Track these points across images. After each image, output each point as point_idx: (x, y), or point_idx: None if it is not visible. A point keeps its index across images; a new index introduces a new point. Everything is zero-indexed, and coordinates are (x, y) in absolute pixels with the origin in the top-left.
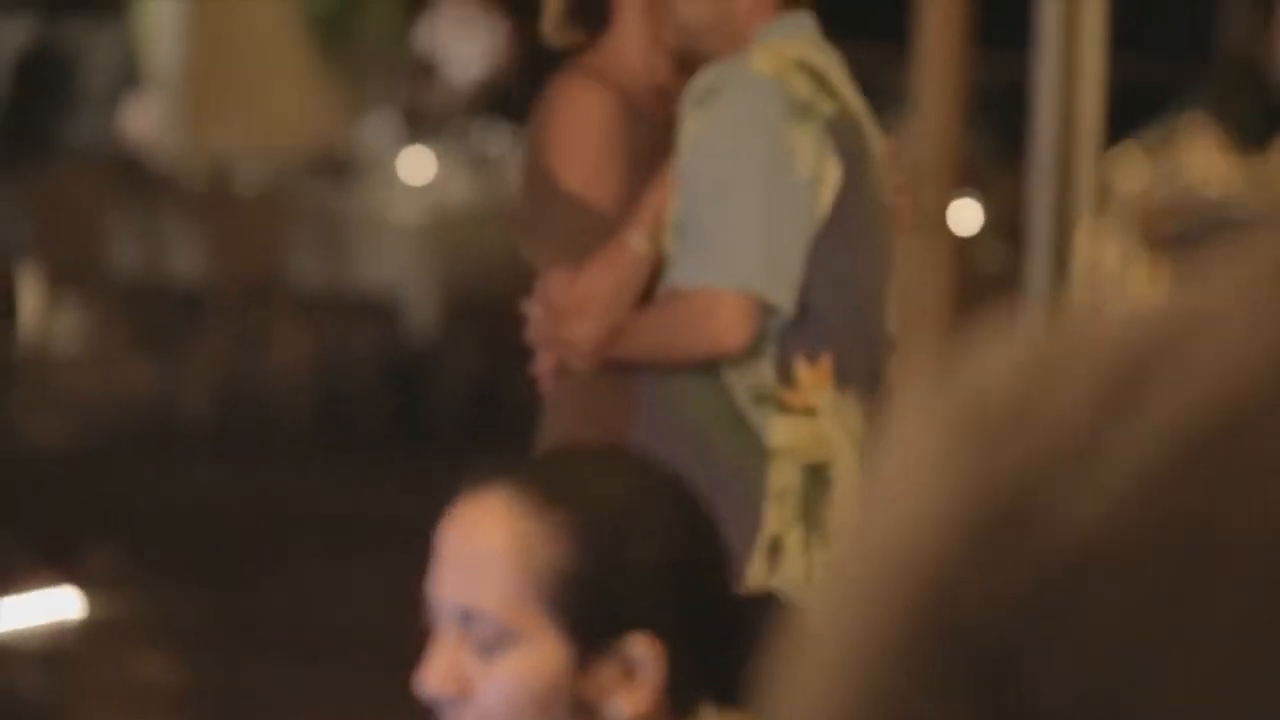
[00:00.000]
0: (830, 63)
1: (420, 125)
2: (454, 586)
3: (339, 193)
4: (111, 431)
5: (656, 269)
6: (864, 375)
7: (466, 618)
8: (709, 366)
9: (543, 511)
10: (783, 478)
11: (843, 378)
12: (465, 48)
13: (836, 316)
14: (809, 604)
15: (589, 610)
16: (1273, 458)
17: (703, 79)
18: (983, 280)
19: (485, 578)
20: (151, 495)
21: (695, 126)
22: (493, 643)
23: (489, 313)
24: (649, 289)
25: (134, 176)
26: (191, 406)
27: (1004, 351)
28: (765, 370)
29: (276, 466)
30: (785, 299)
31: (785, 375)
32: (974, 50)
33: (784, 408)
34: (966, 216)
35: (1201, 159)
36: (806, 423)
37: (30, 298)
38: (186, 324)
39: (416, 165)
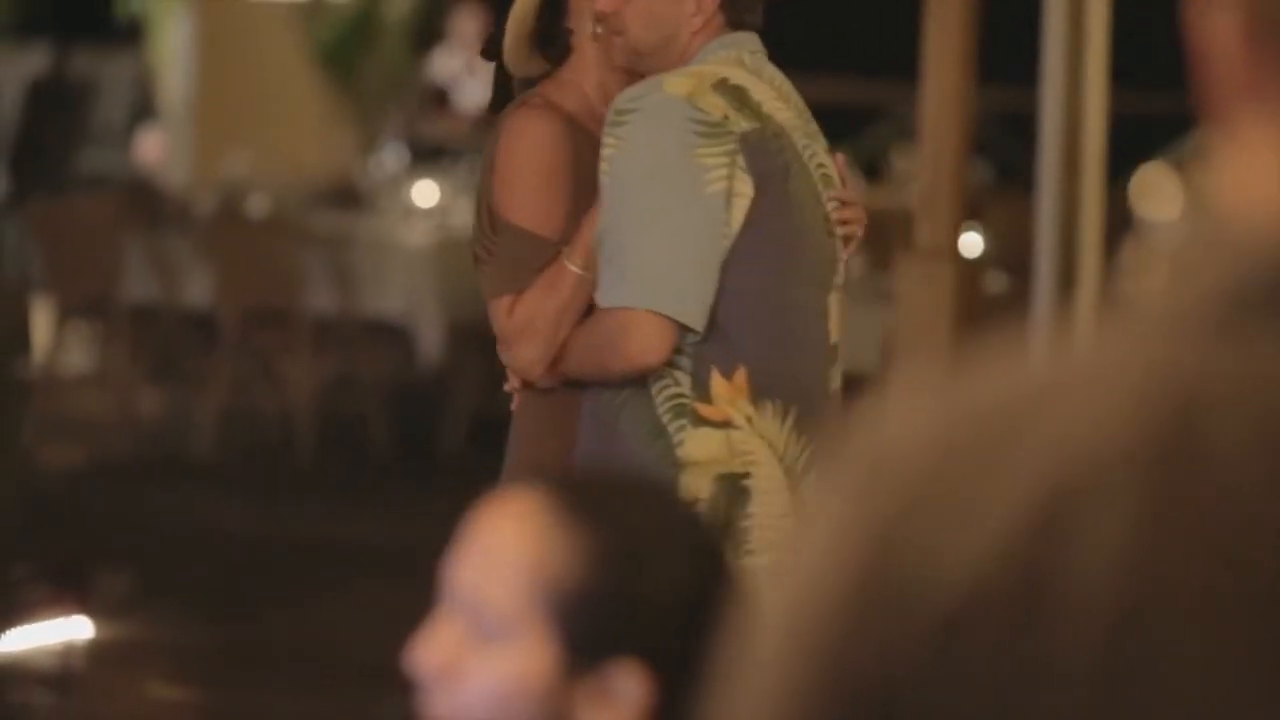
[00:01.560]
0: (756, 82)
1: (429, 154)
2: (469, 575)
3: (349, 221)
4: (122, 458)
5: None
6: (791, 388)
7: (474, 607)
8: (638, 380)
9: (570, 523)
10: (696, 488)
11: (761, 391)
12: (475, 78)
13: (752, 331)
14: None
15: (587, 626)
16: (1121, 517)
17: (619, 101)
18: (984, 306)
19: (499, 570)
20: (161, 521)
21: (608, 149)
22: (490, 634)
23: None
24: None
25: (145, 205)
26: (202, 433)
27: (909, 407)
28: (683, 383)
29: (286, 492)
30: (694, 316)
31: (701, 389)
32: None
33: (700, 420)
34: (967, 244)
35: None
36: (722, 435)
37: (42, 325)
38: (197, 351)
39: (425, 194)
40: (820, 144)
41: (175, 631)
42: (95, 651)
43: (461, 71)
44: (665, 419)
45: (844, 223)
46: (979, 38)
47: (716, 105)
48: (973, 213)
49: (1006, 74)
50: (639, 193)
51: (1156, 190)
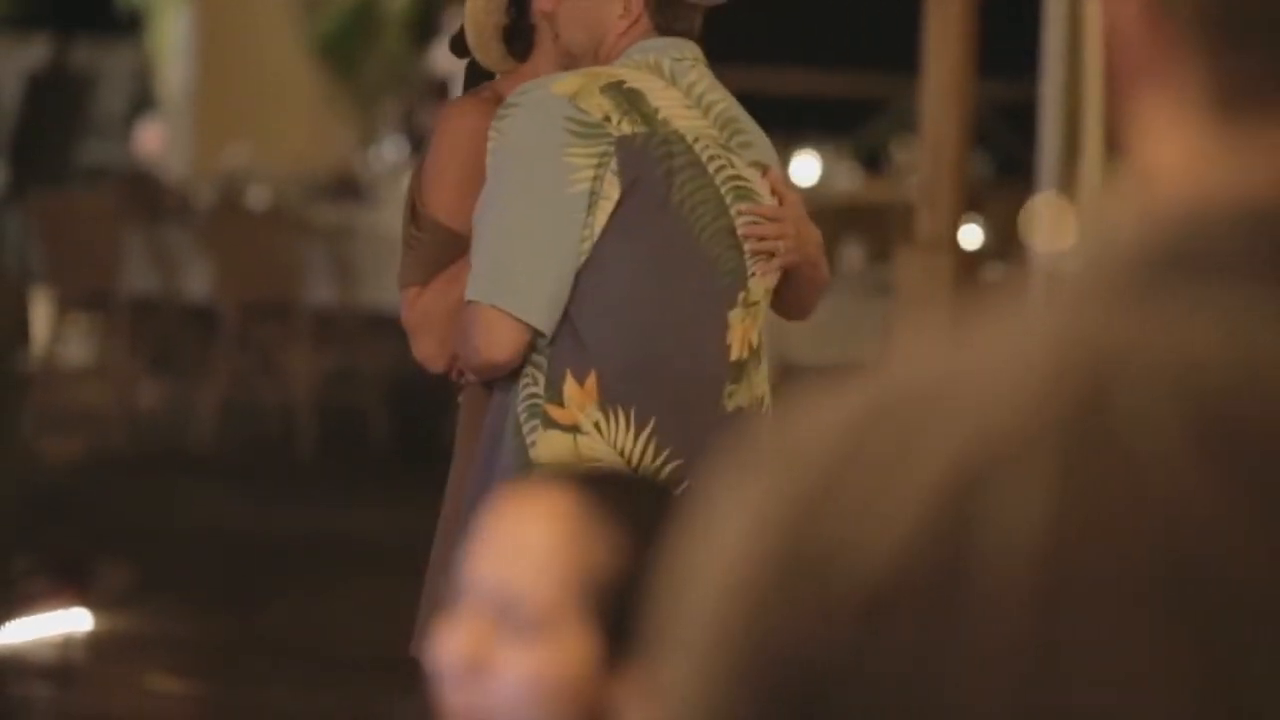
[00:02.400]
0: (662, 88)
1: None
2: (497, 569)
3: (349, 213)
4: (122, 450)
5: None
6: (650, 399)
7: (505, 602)
8: (510, 376)
9: (599, 514)
10: None
11: (612, 398)
12: None
13: (607, 337)
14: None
15: (625, 618)
16: (1033, 498)
17: (509, 96)
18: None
19: (533, 564)
20: (161, 514)
21: (490, 142)
22: (525, 629)
23: None
24: None
25: (145, 197)
26: (202, 425)
27: (827, 394)
28: (539, 384)
29: (286, 485)
30: (539, 317)
31: (554, 391)
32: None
33: (550, 422)
34: (967, 236)
35: None
36: (569, 439)
37: (42, 317)
38: (197, 343)
39: None
40: (743, 156)
41: (175, 624)
42: (95, 644)
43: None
44: (522, 418)
45: (761, 238)
46: (979, 30)
47: (599, 106)
48: (973, 205)
49: (1006, 67)
50: (504, 188)
51: (1047, 221)
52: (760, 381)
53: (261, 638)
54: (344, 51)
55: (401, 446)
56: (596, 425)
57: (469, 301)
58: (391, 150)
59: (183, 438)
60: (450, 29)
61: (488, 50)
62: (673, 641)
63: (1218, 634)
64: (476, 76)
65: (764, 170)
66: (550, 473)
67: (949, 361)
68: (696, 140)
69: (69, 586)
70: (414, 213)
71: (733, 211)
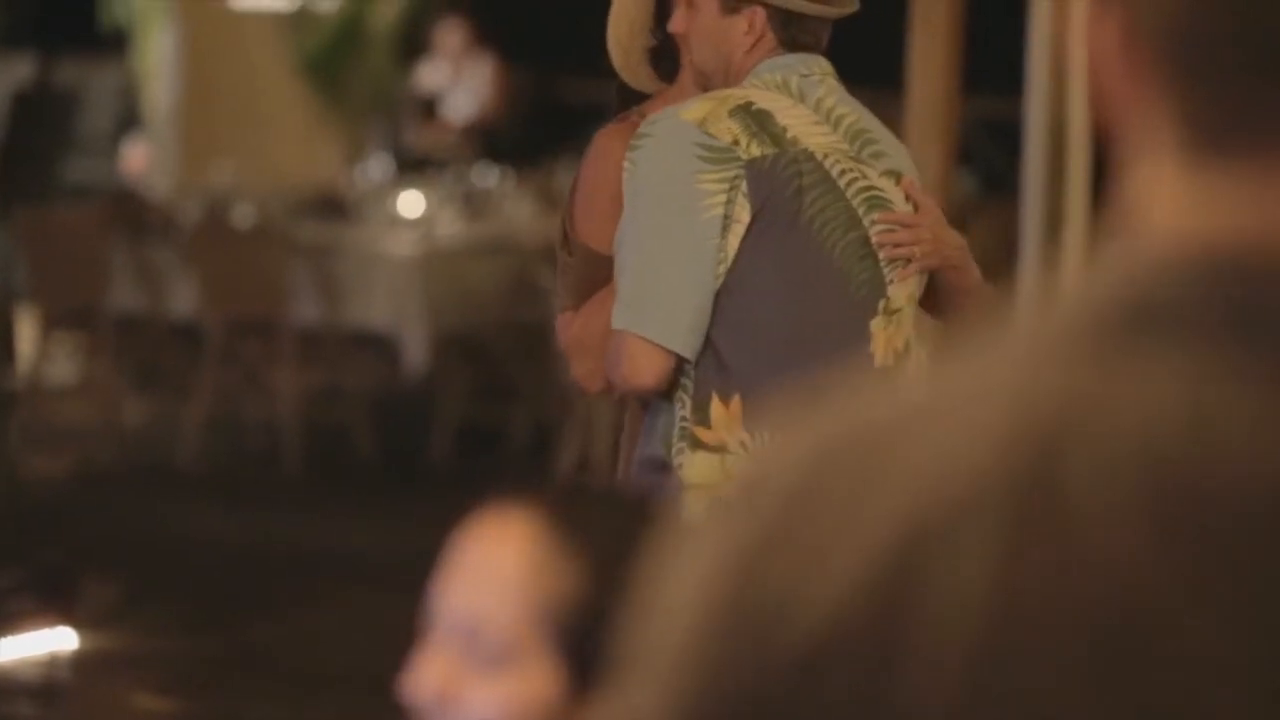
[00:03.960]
0: (789, 105)
1: (415, 165)
2: (464, 598)
3: (334, 231)
4: (107, 467)
5: None
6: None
7: (471, 631)
8: (665, 397)
9: (564, 541)
10: (694, 510)
11: (757, 419)
12: (461, 90)
13: (749, 359)
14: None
15: (591, 645)
16: (976, 556)
17: (641, 125)
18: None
19: (497, 594)
20: (147, 531)
21: (625, 172)
22: (492, 659)
23: (483, 351)
24: None
25: (131, 215)
26: (187, 442)
27: (786, 434)
28: (687, 406)
29: (271, 502)
30: (680, 343)
31: (701, 413)
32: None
33: (697, 444)
34: None
35: None
36: (717, 460)
37: (27, 335)
38: (183, 360)
39: (411, 204)
40: (876, 167)
41: (160, 642)
42: (80, 662)
43: (447, 82)
44: (673, 439)
45: (896, 245)
46: (963, 47)
47: (728, 130)
48: (957, 222)
49: (991, 84)
50: (641, 217)
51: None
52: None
53: (247, 654)
54: (330, 69)
55: (386, 464)
56: (743, 445)
57: (617, 329)
58: (377, 168)
59: (168, 455)
60: (439, 47)
61: (635, 72)
62: (635, 676)
63: (1155, 699)
64: (625, 99)
65: (898, 178)
66: (518, 497)
67: (907, 406)
68: (826, 156)
69: (55, 604)
70: (565, 238)
71: (866, 222)
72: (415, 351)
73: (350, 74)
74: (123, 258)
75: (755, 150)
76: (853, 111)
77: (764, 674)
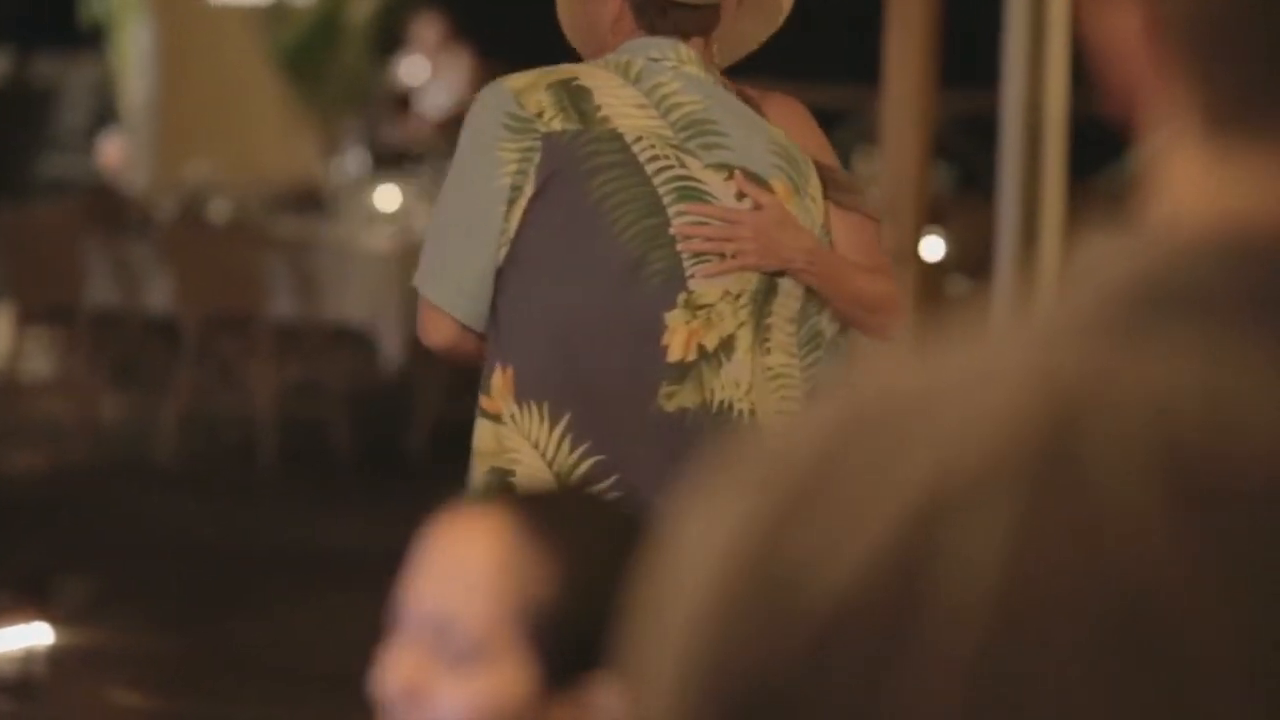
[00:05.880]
0: (618, 86)
1: (391, 159)
2: (434, 594)
3: (311, 226)
4: (84, 463)
5: None
6: (564, 394)
7: (441, 627)
8: None
9: (536, 539)
10: (477, 476)
11: (524, 392)
12: (438, 84)
13: (520, 331)
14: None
15: (564, 644)
16: (993, 530)
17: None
18: (945, 310)
19: (469, 591)
20: (123, 527)
21: None
22: (463, 656)
23: None
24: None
25: (107, 210)
26: (164, 438)
27: (804, 409)
28: (483, 373)
29: (249, 498)
30: (458, 308)
31: (486, 381)
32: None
33: (482, 411)
34: (929, 248)
35: None
36: (494, 428)
37: (3, 331)
38: (159, 356)
39: (387, 199)
40: (700, 159)
41: (137, 638)
42: (56, 658)
43: (424, 76)
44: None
45: (708, 239)
46: (940, 42)
47: (537, 102)
48: (934, 217)
49: (968, 78)
50: (448, 179)
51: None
52: (724, 385)
53: (224, 651)
54: (306, 64)
55: (363, 459)
56: (512, 417)
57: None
58: (354, 163)
59: (144, 451)
60: (415, 42)
61: (589, 52)
62: (643, 659)
63: (1170, 676)
64: None
65: (730, 172)
66: (488, 493)
67: (927, 377)
68: (639, 140)
69: (30, 601)
70: None
71: (671, 211)
72: (391, 347)
73: (326, 68)
74: (99, 253)
75: (557, 125)
76: (700, 101)
77: (779, 646)
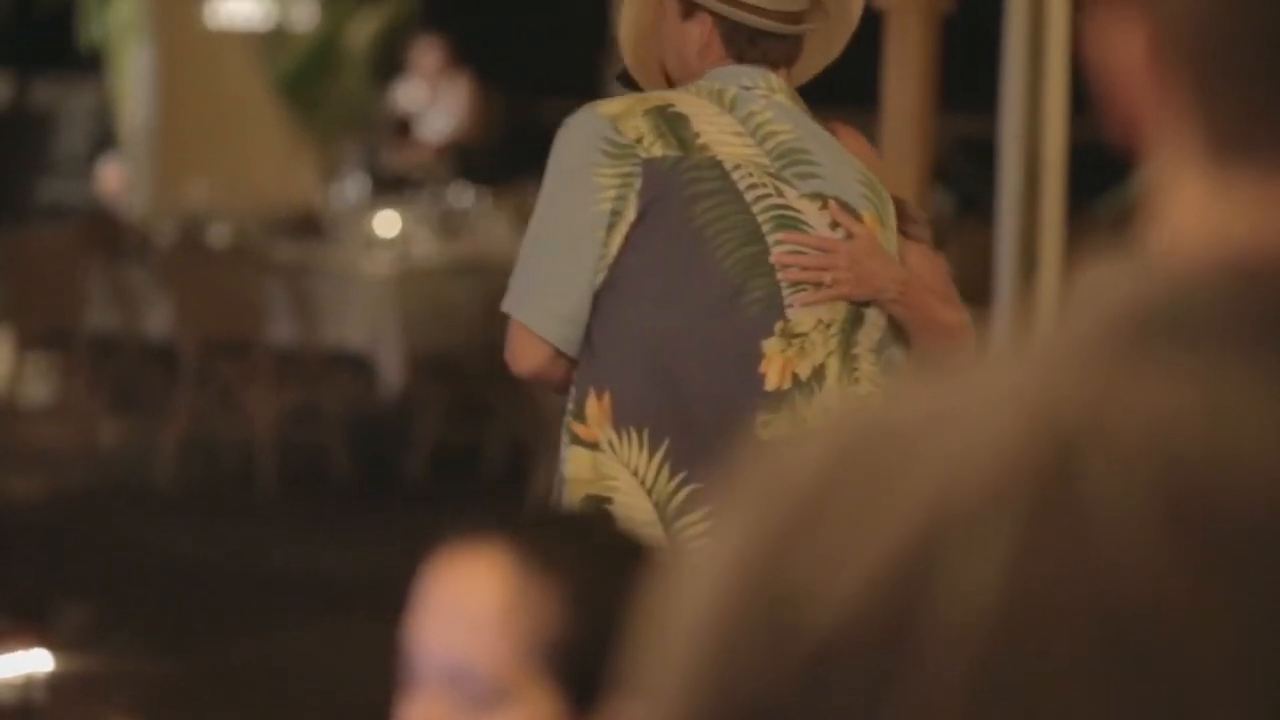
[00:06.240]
0: (714, 114)
1: (390, 184)
2: (443, 641)
3: (310, 251)
4: (83, 488)
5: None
6: (663, 420)
7: (457, 676)
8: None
9: (537, 570)
10: (570, 503)
11: (623, 419)
12: (437, 109)
13: (619, 357)
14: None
15: (582, 669)
16: (991, 555)
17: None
18: None
19: (479, 635)
20: (122, 552)
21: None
22: (486, 701)
23: (459, 370)
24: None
25: (106, 235)
26: (163, 463)
27: (808, 430)
28: (572, 399)
29: (247, 523)
30: (555, 333)
31: (579, 408)
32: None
33: (575, 438)
34: None
35: None
36: (590, 456)
37: (2, 356)
38: (158, 381)
39: (387, 224)
40: (799, 187)
41: (136, 663)
42: (56, 684)
43: (423, 102)
44: (563, 433)
45: (804, 269)
46: (939, 65)
47: (635, 128)
48: (933, 242)
49: (967, 102)
50: (542, 204)
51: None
52: (815, 414)
53: (224, 675)
54: (305, 89)
55: (362, 484)
56: (610, 444)
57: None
58: (353, 188)
59: (143, 476)
60: (414, 67)
61: (645, 73)
62: (648, 677)
63: (1170, 688)
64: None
65: (824, 202)
66: (484, 528)
67: (929, 401)
68: (737, 168)
69: (29, 626)
70: None
71: (771, 240)
72: (391, 371)
73: (326, 94)
74: (98, 278)
75: (657, 150)
76: (792, 131)
77: (780, 664)
